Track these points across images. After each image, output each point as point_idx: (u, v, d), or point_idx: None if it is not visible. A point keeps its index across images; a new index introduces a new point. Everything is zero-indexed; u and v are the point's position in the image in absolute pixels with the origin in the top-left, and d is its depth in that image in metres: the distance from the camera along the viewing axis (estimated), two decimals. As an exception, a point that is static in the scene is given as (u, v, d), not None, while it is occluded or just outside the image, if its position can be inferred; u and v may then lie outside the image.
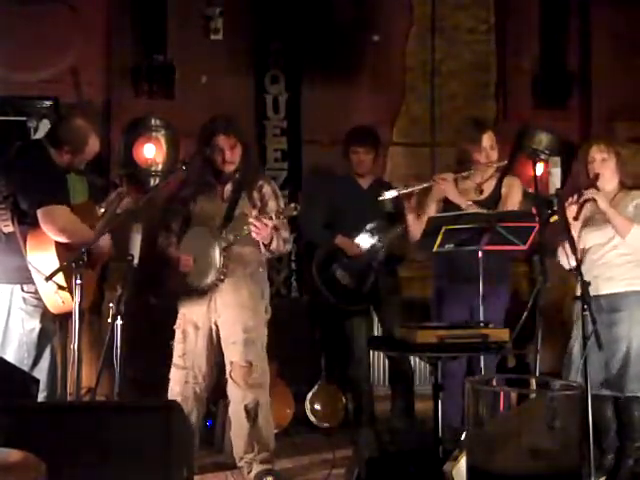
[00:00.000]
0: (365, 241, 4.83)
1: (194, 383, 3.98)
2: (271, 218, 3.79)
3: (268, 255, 4.03)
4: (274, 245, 3.91)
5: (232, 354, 3.92)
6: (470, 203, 4.19)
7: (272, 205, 4.00)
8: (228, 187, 4.02)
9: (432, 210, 4.31)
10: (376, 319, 5.10)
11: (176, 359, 4.01)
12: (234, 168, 3.98)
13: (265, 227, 3.77)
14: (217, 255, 3.83)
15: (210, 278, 3.86)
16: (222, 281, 3.88)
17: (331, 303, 4.87)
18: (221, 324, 3.95)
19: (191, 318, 3.98)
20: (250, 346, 3.90)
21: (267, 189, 4.03)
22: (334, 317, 5.01)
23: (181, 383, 3.97)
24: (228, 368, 3.94)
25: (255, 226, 3.76)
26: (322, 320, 5.23)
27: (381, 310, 4.94)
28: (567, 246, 3.66)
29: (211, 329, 3.97)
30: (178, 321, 4.04)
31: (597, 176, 3.87)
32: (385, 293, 4.87)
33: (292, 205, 3.90)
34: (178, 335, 4.02)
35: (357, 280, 4.84)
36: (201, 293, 3.93)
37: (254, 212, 3.92)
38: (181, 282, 3.97)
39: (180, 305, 4.04)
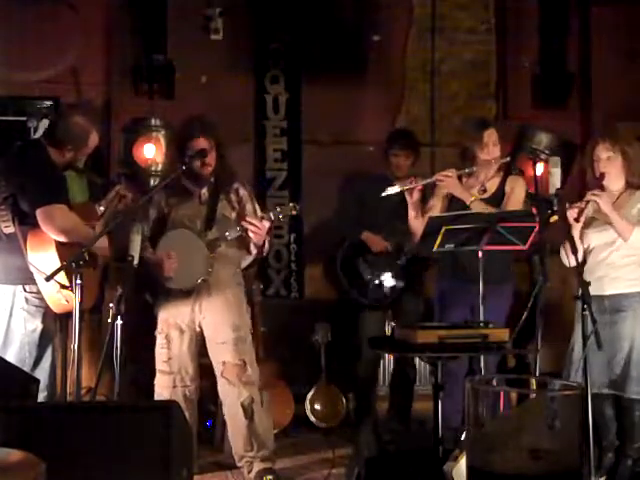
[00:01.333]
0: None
1: (182, 386, 3.96)
2: (270, 219, 3.80)
3: (255, 256, 4.03)
4: (267, 246, 3.96)
5: (223, 354, 3.92)
6: (473, 199, 4.19)
7: (249, 207, 4.02)
8: (204, 190, 4.02)
9: (437, 207, 4.31)
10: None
11: (161, 365, 3.98)
12: (211, 171, 3.98)
13: (264, 227, 3.79)
14: (205, 256, 3.83)
15: (198, 279, 3.86)
16: (206, 282, 3.88)
17: (350, 297, 4.90)
18: (206, 325, 3.95)
19: (175, 322, 3.96)
20: (241, 344, 3.91)
21: (243, 192, 4.06)
22: (339, 315, 5.03)
23: (169, 388, 3.95)
24: (220, 368, 3.93)
25: (254, 226, 3.77)
26: (326, 319, 5.23)
27: (399, 312, 4.94)
28: (567, 246, 3.66)
29: (195, 331, 3.97)
30: (159, 326, 4.00)
31: (603, 175, 3.84)
32: (406, 296, 4.88)
33: (291, 205, 3.92)
34: (161, 340, 3.98)
35: (379, 276, 4.86)
36: (186, 295, 3.92)
37: (233, 214, 3.96)
38: (163, 285, 3.94)
39: (160, 310, 4.01)
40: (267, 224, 3.80)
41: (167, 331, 3.98)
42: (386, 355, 5.43)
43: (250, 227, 3.78)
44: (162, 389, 3.98)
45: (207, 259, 3.84)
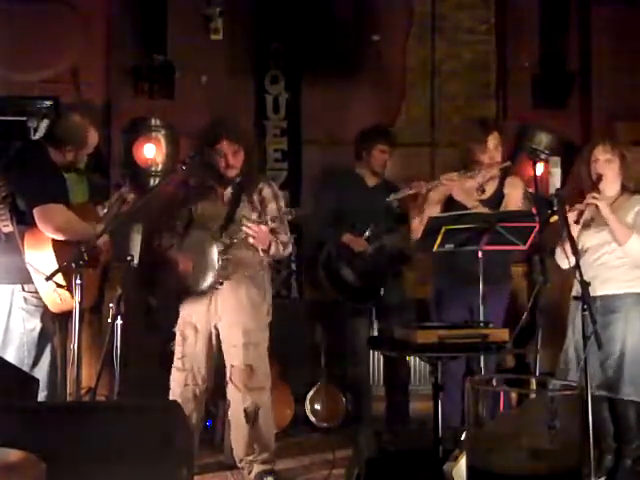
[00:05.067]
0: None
1: (194, 385, 3.97)
2: (266, 223, 3.78)
3: (268, 259, 4.02)
4: (273, 249, 3.90)
5: (232, 358, 3.92)
6: (477, 204, 4.19)
7: (272, 208, 4.00)
8: (228, 190, 4.01)
9: (435, 211, 4.30)
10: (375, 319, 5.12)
11: (176, 361, 4.01)
12: (236, 173, 3.97)
13: (261, 232, 3.76)
14: (215, 258, 3.82)
15: (208, 281, 3.85)
16: (221, 284, 3.86)
17: (335, 300, 4.89)
18: (221, 327, 3.95)
19: (190, 320, 3.97)
20: (250, 349, 3.89)
21: (267, 192, 4.02)
22: (336, 316, 5.02)
23: (181, 385, 3.97)
24: (228, 371, 3.94)
25: (252, 230, 3.75)
26: (324, 319, 5.23)
27: (383, 310, 4.94)
28: (567, 246, 3.66)
29: (211, 332, 3.96)
30: (178, 323, 4.03)
31: (600, 177, 3.83)
32: (389, 293, 4.87)
33: (287, 209, 3.89)
34: (178, 337, 4.02)
35: (362, 278, 4.85)
36: (200, 295, 3.92)
37: (254, 215, 3.92)
38: (180, 284, 3.97)
39: (181, 307, 4.03)
40: (264, 228, 3.78)
41: (183, 329, 3.99)
42: (376, 354, 5.42)
43: (248, 231, 3.77)
44: (175, 385, 4.00)
45: (220, 261, 3.82)
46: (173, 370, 4.01)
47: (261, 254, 3.92)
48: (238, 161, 3.95)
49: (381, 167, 5.00)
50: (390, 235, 4.80)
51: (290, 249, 4.06)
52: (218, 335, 3.96)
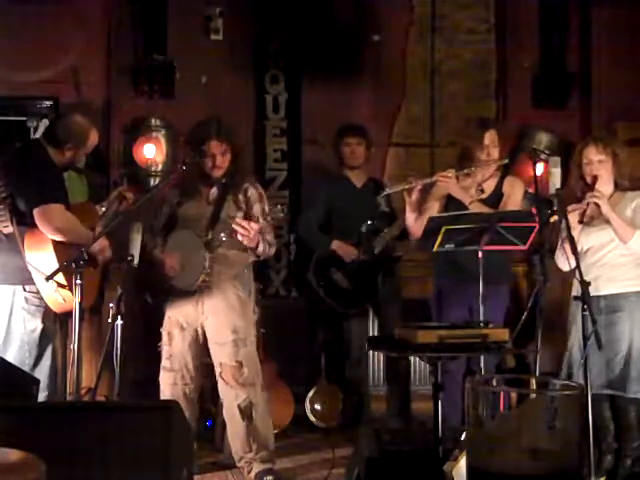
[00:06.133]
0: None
1: (183, 384, 3.97)
2: (257, 221, 3.77)
3: (254, 258, 4.02)
4: (261, 248, 3.89)
5: (221, 355, 3.92)
6: (475, 201, 4.19)
7: (257, 208, 3.99)
8: (214, 190, 4.01)
9: (435, 208, 4.31)
10: (372, 320, 5.11)
11: (164, 361, 4.00)
12: (222, 173, 3.97)
13: (251, 230, 3.73)
14: (203, 257, 3.82)
15: (196, 280, 3.85)
16: (208, 283, 3.87)
17: (329, 306, 4.87)
18: (208, 326, 3.95)
19: (177, 320, 3.97)
20: (239, 346, 3.89)
21: (252, 192, 4.01)
22: (332, 319, 5.01)
23: (170, 385, 3.97)
24: (217, 369, 3.94)
25: (242, 228, 3.72)
26: (320, 322, 5.22)
27: (381, 312, 4.94)
28: (567, 247, 3.65)
29: (197, 331, 3.97)
30: (164, 323, 4.03)
31: (596, 178, 3.81)
32: (385, 294, 4.86)
33: (278, 207, 3.87)
34: (164, 337, 4.01)
35: (355, 283, 4.84)
36: (189, 294, 3.92)
37: (239, 215, 3.91)
38: (167, 284, 3.96)
39: (166, 307, 4.02)
40: (254, 226, 3.75)
41: (169, 328, 3.99)
42: (376, 353, 5.41)
43: (238, 229, 3.75)
44: (164, 386, 3.99)
45: (205, 260, 3.83)
46: (161, 371, 4.01)
47: (250, 252, 3.92)
48: (226, 162, 3.95)
49: (354, 160, 4.96)
50: (380, 236, 4.79)
51: (274, 249, 4.05)
52: (204, 334, 3.97)
